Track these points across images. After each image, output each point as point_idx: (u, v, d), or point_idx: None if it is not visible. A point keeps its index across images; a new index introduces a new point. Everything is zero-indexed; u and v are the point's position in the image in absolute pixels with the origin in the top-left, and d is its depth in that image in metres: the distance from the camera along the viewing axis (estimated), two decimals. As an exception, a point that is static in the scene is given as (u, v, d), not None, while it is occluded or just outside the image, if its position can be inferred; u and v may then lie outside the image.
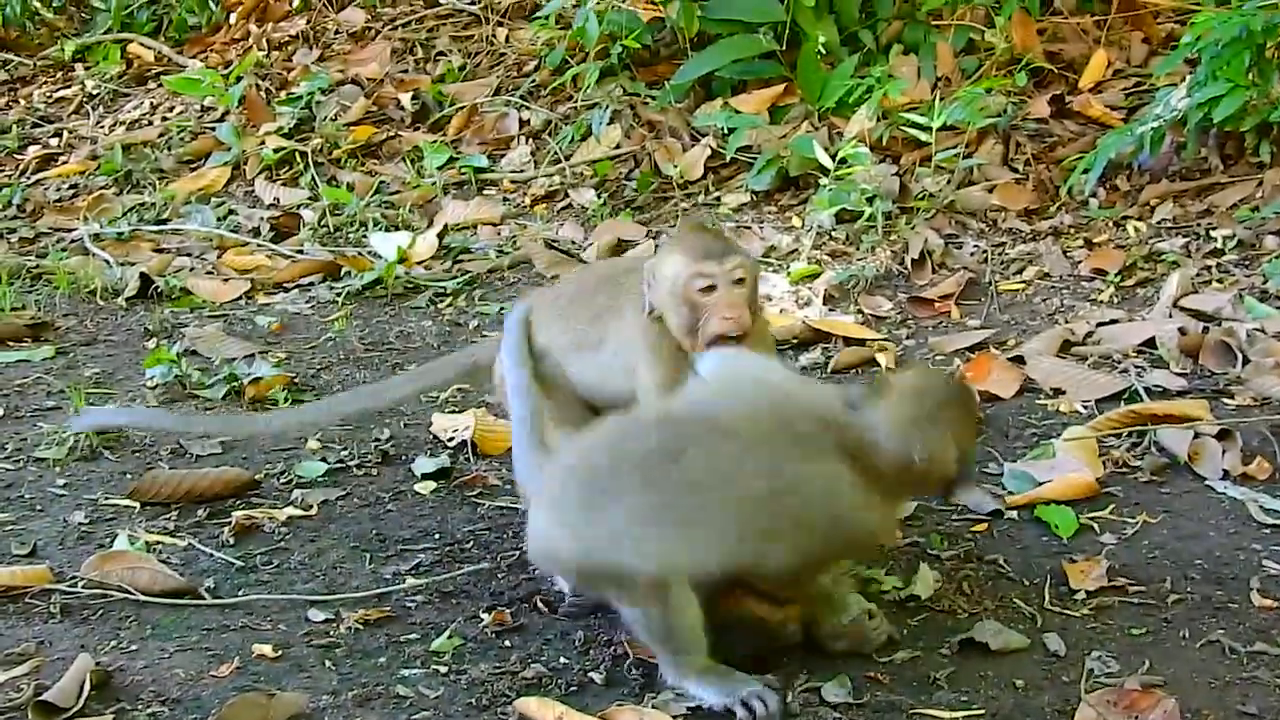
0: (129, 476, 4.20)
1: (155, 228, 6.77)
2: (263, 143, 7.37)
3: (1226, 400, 4.48)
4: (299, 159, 7.24)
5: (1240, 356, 4.71)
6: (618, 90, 6.99)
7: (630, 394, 3.48)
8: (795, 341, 5.13)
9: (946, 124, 6.01)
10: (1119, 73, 6.60)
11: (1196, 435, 4.18)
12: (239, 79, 7.75)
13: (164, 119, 8.00)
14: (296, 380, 4.93)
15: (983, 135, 6.25)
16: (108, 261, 6.22)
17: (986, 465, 4.14)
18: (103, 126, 8.10)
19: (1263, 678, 3.09)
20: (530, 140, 7.14)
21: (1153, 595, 3.43)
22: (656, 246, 3.55)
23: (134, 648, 3.30)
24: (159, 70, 8.56)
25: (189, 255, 6.46)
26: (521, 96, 7.33)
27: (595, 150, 6.86)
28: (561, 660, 3.24)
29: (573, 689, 3.10)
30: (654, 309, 3.44)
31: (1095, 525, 3.78)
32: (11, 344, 5.41)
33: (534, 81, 7.41)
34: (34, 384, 4.99)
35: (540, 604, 3.45)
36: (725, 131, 6.60)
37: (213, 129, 7.67)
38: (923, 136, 6.06)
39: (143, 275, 5.97)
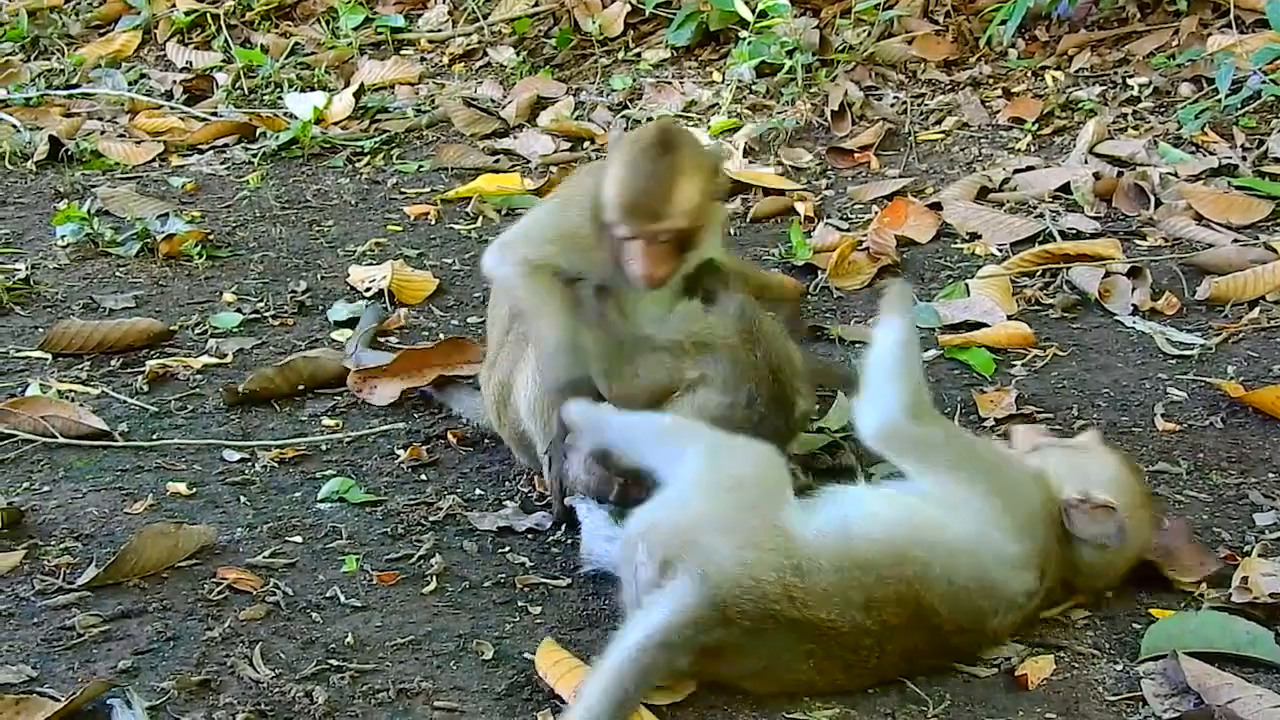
0: (40, 331, 4.14)
1: (64, 92, 6.60)
2: (173, 6, 7.18)
3: (1138, 241, 4.55)
4: (211, 22, 7.06)
5: (1153, 199, 4.76)
6: (535, -54, 6.87)
7: None
8: (715, 193, 5.11)
9: (867, -25, 5.97)
10: (1039, -76, 6.56)
11: (1108, 274, 4.25)
12: (147, -59, 7.52)
13: (71, -17, 7.75)
14: (212, 237, 4.85)
15: (903, -14, 6.21)
16: (15, 126, 6.05)
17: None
18: (6, -8, 7.84)
19: (1163, 494, 3.17)
20: (447, -1, 7.02)
21: (1060, 421, 3.50)
22: (617, 144, 3.25)
23: (46, 489, 3.28)
24: (63, -65, 8.29)
25: (100, 119, 6.31)
26: (438, -46, 7.18)
27: (514, 7, 6.74)
28: (477, 492, 3.26)
29: (486, 516, 3.14)
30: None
31: (1006, 359, 3.84)
32: (-84, 207, 5.28)
33: (450, -61, 7.26)
34: (-60, 245, 4.89)
35: (454, 440, 3.47)
36: (645, -14, 6.51)
37: (121, -8, 7.45)
38: (843, -12, 6.03)
39: (52, 139, 5.82)
